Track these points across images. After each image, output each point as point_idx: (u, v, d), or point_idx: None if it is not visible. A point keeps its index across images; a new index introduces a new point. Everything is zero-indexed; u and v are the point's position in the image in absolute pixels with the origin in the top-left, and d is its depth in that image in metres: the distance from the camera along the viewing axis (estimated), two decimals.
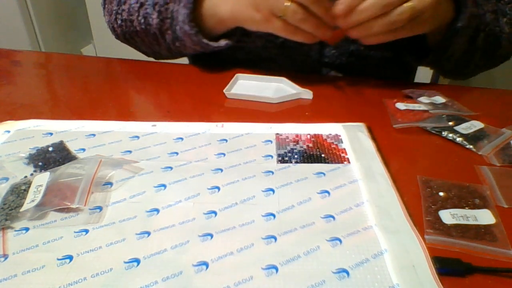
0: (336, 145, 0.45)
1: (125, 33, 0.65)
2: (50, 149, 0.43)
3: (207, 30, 0.60)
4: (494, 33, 0.59)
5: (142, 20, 0.61)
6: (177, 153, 0.43)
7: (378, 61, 0.66)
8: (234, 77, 0.59)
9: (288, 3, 0.49)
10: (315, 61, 0.65)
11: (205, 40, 0.58)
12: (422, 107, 0.52)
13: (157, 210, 0.36)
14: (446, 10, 0.54)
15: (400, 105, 0.53)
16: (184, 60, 0.75)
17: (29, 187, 0.37)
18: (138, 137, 0.46)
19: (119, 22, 0.64)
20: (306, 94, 0.56)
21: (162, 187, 0.38)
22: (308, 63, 0.65)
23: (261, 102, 0.55)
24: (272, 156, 0.43)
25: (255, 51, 0.65)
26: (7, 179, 0.39)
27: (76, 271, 0.30)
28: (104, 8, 0.68)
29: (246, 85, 0.59)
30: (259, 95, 0.55)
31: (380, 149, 0.44)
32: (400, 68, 0.70)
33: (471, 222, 0.34)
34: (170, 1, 0.59)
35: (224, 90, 0.55)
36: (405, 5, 0.48)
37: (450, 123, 0.49)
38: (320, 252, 0.32)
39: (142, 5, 0.60)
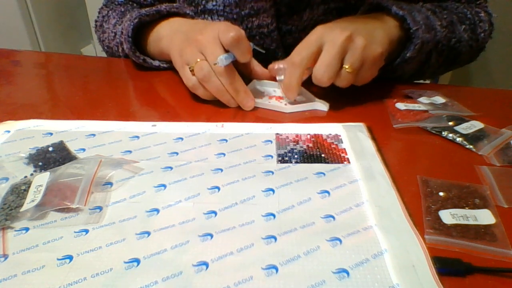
0: (336, 145, 0.45)
1: (111, 55, 0.73)
2: (50, 149, 0.43)
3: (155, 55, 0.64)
4: (449, 46, 0.59)
5: (116, 48, 0.68)
6: (177, 153, 0.43)
7: None
8: (251, 83, 0.57)
9: (199, 59, 0.50)
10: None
11: (156, 63, 0.63)
12: (422, 107, 0.52)
13: (157, 210, 0.36)
14: (394, 38, 0.55)
15: (400, 105, 0.53)
16: None
17: (29, 187, 0.37)
18: (138, 137, 0.46)
19: (105, 48, 0.73)
20: (322, 105, 0.53)
21: (162, 187, 0.38)
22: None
23: None
24: (272, 156, 0.43)
25: None
26: (7, 179, 0.39)
27: (76, 271, 0.30)
28: (96, 31, 0.75)
29: (260, 92, 0.57)
30: (272, 103, 0.53)
31: (380, 149, 0.44)
32: None
33: (471, 222, 0.34)
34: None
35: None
36: (345, 70, 0.49)
37: (450, 123, 0.49)
38: (320, 252, 0.32)
39: (115, 34, 0.66)
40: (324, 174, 0.41)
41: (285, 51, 0.65)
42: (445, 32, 0.58)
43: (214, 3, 0.63)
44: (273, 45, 0.64)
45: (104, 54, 0.77)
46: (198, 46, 0.51)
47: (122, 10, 0.70)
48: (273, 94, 0.56)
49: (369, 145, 0.45)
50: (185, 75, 0.53)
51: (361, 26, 0.51)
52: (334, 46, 0.48)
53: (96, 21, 0.74)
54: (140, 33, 0.62)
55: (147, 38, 0.63)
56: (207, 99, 0.53)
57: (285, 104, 0.53)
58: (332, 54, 0.48)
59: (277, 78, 0.55)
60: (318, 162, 0.42)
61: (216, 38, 0.50)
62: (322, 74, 0.48)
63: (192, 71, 0.51)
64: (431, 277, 0.29)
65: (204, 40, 0.50)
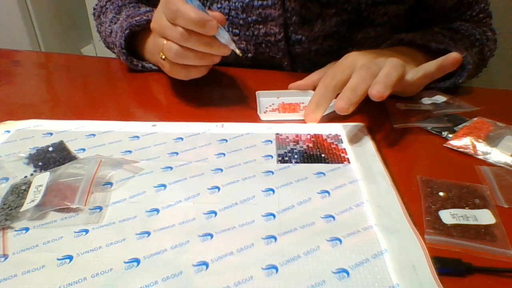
0: (336, 145, 0.45)
1: (108, 48, 0.73)
2: (50, 149, 0.43)
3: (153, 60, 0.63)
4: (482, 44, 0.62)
5: (112, 45, 0.67)
6: (177, 153, 0.43)
7: None
8: (256, 96, 0.55)
9: (164, 41, 0.48)
10: (290, 71, 0.67)
11: (155, 67, 0.62)
12: (423, 107, 0.52)
13: (157, 210, 0.36)
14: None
15: (400, 105, 0.53)
16: None
17: (29, 187, 0.37)
18: (138, 137, 0.46)
19: (102, 39, 0.73)
20: None
21: (162, 187, 0.38)
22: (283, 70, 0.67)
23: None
24: (272, 156, 0.43)
25: (232, 63, 0.65)
26: (7, 179, 0.39)
27: (76, 271, 0.30)
28: (94, 19, 0.75)
29: (275, 105, 0.54)
30: (296, 114, 0.51)
31: (380, 149, 0.44)
32: None
33: (471, 222, 0.34)
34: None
35: (258, 113, 0.51)
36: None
37: (450, 123, 0.49)
38: (320, 252, 0.32)
39: (111, 31, 0.65)
40: (324, 174, 0.41)
41: (291, 60, 0.65)
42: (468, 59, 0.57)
43: (219, 5, 0.62)
44: (279, 54, 0.64)
45: (104, 55, 0.77)
46: (158, 33, 0.50)
47: (119, 4, 0.69)
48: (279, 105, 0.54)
49: (369, 145, 0.45)
50: (166, 69, 0.51)
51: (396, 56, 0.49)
52: (365, 68, 0.45)
53: (94, 9, 0.73)
54: (134, 35, 0.61)
55: (142, 45, 0.62)
56: (197, 76, 0.51)
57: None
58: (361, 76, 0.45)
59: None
60: (318, 162, 0.42)
61: (163, 17, 0.48)
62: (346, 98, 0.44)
63: (165, 59, 0.49)
64: (431, 277, 0.29)
65: (158, 26, 0.49)
